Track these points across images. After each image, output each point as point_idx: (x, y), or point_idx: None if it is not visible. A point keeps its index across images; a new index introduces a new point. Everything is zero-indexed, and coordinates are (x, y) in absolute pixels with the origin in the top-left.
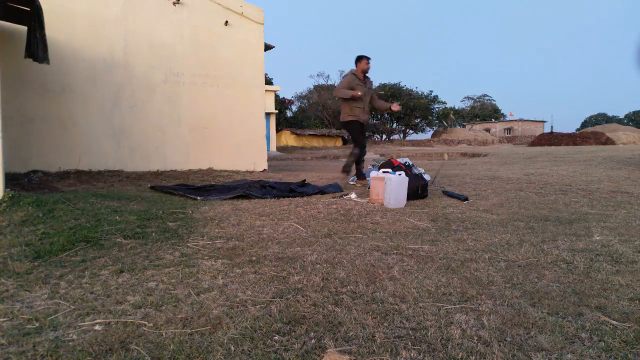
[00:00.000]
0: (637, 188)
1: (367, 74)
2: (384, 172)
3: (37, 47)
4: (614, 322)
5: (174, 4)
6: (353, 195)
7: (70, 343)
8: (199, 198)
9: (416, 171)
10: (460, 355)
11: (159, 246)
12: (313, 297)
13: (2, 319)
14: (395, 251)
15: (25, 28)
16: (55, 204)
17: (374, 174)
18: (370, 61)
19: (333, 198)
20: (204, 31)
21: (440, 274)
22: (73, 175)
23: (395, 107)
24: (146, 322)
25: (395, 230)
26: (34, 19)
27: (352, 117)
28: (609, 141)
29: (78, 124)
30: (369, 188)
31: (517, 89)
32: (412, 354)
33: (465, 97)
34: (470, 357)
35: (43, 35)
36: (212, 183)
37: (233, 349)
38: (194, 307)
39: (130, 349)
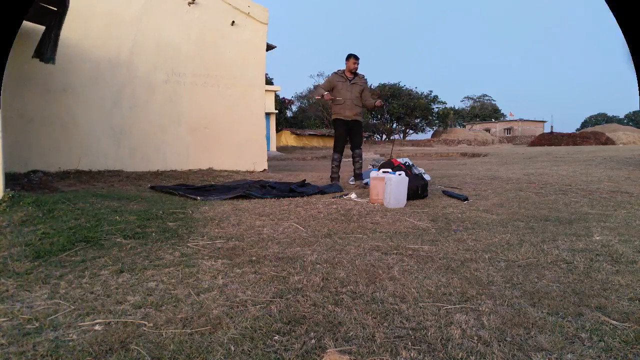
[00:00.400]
0: (637, 188)
1: (356, 72)
2: (384, 172)
3: (47, 47)
4: (614, 322)
5: (189, 4)
6: (353, 195)
7: (70, 343)
8: (199, 198)
9: (416, 171)
10: (460, 355)
11: (159, 246)
12: (313, 297)
13: (2, 319)
14: (395, 251)
15: (28, 26)
16: (55, 204)
17: (374, 174)
18: (358, 60)
19: (333, 198)
20: (211, 31)
21: (440, 274)
22: (73, 175)
23: (378, 102)
24: (146, 322)
25: (395, 230)
26: (56, 19)
27: (335, 115)
28: (609, 141)
29: (78, 124)
30: (364, 187)
31: (517, 89)
32: (412, 354)
33: (465, 97)
34: (470, 357)
35: (57, 35)
36: (212, 183)
37: (233, 349)
38: (194, 307)
39: (130, 349)
